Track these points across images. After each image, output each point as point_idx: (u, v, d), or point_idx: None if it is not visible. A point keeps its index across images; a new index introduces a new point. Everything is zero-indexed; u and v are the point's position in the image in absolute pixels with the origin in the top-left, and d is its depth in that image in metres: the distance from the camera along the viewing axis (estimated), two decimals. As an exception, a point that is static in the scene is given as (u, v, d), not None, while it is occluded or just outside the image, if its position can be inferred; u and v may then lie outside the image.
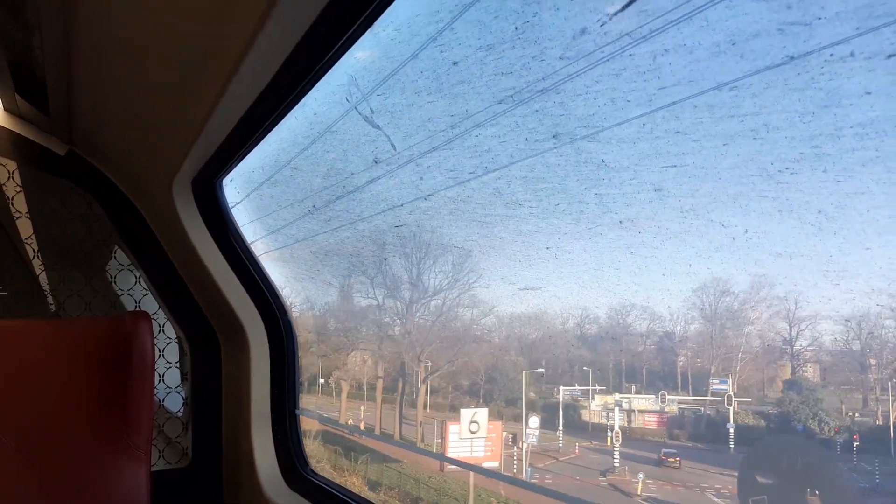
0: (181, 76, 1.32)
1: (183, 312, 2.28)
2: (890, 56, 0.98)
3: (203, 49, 1.17)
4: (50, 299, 2.14)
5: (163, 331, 2.26)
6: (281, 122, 1.45)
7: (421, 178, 1.84)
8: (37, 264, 2.12)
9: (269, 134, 1.54)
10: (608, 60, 1.45)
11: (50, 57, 1.56)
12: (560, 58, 1.39)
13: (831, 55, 1.12)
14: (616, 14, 1.35)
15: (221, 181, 1.97)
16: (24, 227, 2.11)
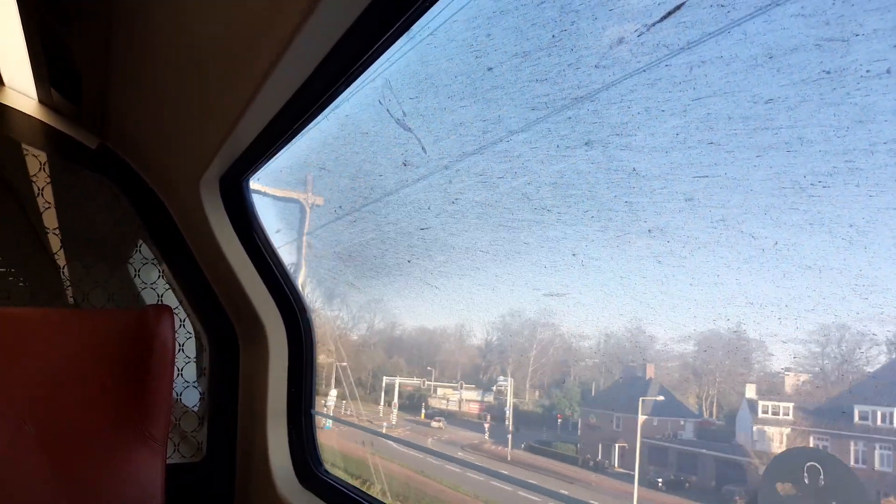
0: (216, 75, 1.32)
1: (204, 308, 2.29)
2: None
3: (239, 50, 1.17)
4: (73, 290, 2.16)
5: (183, 325, 2.27)
6: (312, 124, 1.44)
7: (450, 182, 1.82)
8: (62, 255, 2.14)
9: (300, 135, 1.54)
10: (644, 70, 1.42)
11: (86, 51, 1.58)
12: (596, 66, 1.37)
13: (867, 71, 1.09)
14: (654, 24, 1.32)
15: (248, 180, 1.97)
16: (51, 219, 2.13)
